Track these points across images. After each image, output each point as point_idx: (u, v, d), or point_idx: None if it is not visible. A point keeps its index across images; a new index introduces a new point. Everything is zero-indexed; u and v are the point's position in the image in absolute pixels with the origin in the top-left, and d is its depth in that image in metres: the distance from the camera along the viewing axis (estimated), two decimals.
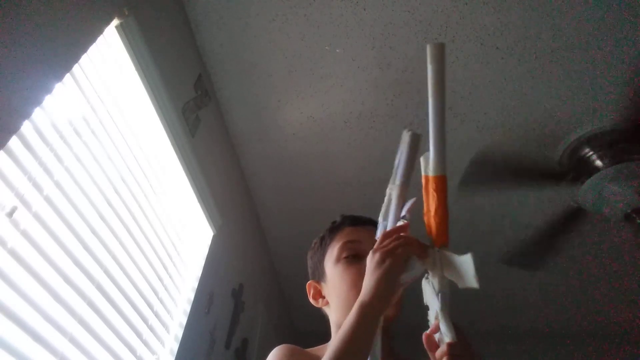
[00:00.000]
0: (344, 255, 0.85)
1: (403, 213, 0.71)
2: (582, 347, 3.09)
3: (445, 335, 0.58)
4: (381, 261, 0.63)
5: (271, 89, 1.94)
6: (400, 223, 0.70)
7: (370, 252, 0.67)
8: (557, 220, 2.17)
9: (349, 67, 1.84)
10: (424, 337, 0.62)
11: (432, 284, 0.63)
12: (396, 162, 0.77)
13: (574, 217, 2.15)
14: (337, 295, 0.83)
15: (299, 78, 1.89)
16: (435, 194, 0.65)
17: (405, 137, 0.77)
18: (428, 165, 0.66)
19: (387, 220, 0.74)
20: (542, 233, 2.21)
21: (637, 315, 2.93)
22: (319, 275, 0.90)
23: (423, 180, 0.67)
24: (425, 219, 0.67)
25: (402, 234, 0.67)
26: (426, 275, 0.66)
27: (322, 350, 0.81)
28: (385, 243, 0.66)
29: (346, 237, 0.88)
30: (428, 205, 0.66)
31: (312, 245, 0.96)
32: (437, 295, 0.61)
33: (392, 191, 0.75)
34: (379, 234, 0.74)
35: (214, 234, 1.90)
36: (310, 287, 0.92)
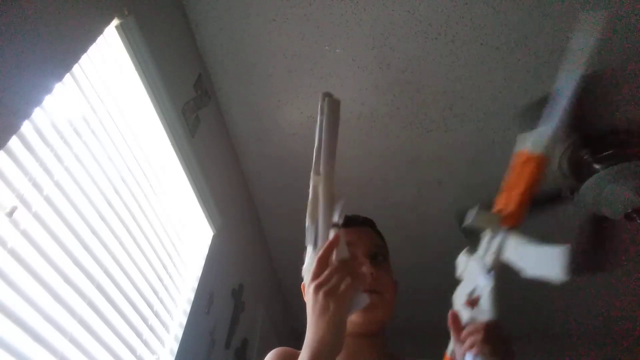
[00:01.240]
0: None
1: (336, 219, 0.62)
2: (583, 347, 3.09)
3: (486, 313, 0.55)
4: (326, 306, 0.56)
5: (271, 89, 1.94)
6: (331, 233, 0.61)
7: (311, 287, 0.59)
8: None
9: (349, 67, 1.84)
10: (450, 314, 0.58)
11: (485, 260, 0.58)
12: (316, 141, 0.63)
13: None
14: None
15: (299, 78, 1.89)
16: (530, 174, 0.57)
17: (323, 105, 0.61)
18: (535, 141, 0.58)
19: (315, 224, 0.65)
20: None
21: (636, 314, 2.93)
22: None
23: (519, 157, 0.59)
24: (505, 192, 0.60)
25: (342, 264, 0.59)
26: (467, 248, 0.62)
27: None
28: (324, 278, 0.58)
29: None
30: (515, 180, 0.59)
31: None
32: (489, 272, 0.57)
33: (318, 185, 0.64)
34: (308, 239, 0.66)
35: (214, 234, 1.90)
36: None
